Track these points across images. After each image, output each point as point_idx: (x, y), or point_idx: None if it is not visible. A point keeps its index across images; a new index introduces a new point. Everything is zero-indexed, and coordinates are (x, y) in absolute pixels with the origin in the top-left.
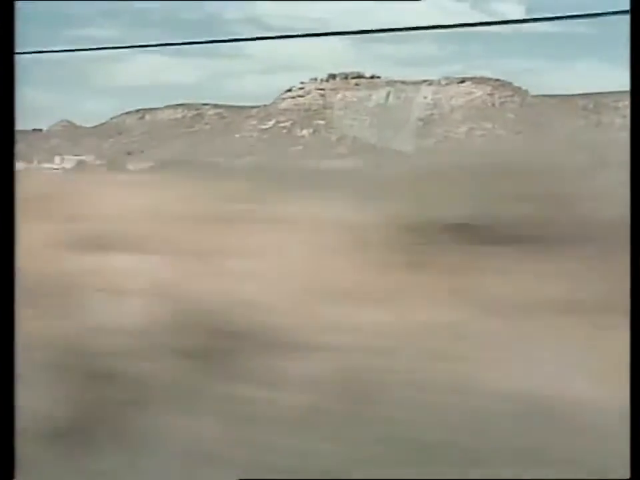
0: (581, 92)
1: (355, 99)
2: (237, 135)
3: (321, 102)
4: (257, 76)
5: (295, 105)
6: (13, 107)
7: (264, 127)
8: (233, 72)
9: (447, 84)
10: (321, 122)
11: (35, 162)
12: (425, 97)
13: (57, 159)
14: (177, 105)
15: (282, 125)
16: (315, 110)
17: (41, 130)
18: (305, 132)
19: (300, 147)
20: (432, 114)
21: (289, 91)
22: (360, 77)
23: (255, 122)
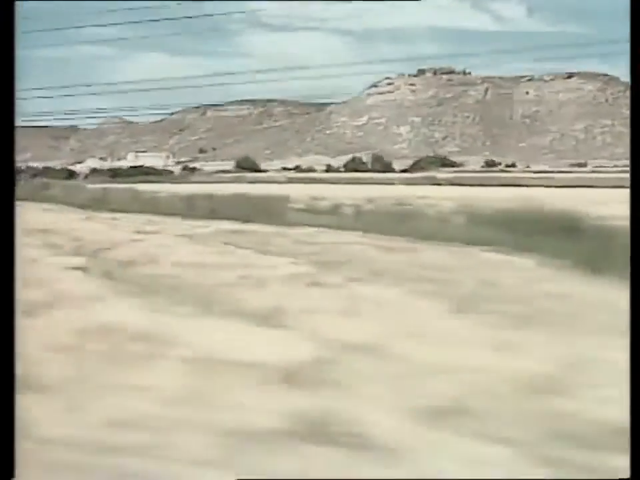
0: None
1: (449, 95)
2: (328, 132)
3: (412, 98)
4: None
5: (384, 101)
6: (13, 106)
7: (356, 123)
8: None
9: (551, 79)
10: (416, 119)
11: (109, 160)
12: (527, 93)
13: (130, 155)
14: (242, 100)
15: (376, 121)
16: (407, 107)
17: (76, 127)
18: (402, 129)
19: (404, 145)
20: (537, 110)
21: (375, 86)
22: (451, 72)
23: (344, 118)
